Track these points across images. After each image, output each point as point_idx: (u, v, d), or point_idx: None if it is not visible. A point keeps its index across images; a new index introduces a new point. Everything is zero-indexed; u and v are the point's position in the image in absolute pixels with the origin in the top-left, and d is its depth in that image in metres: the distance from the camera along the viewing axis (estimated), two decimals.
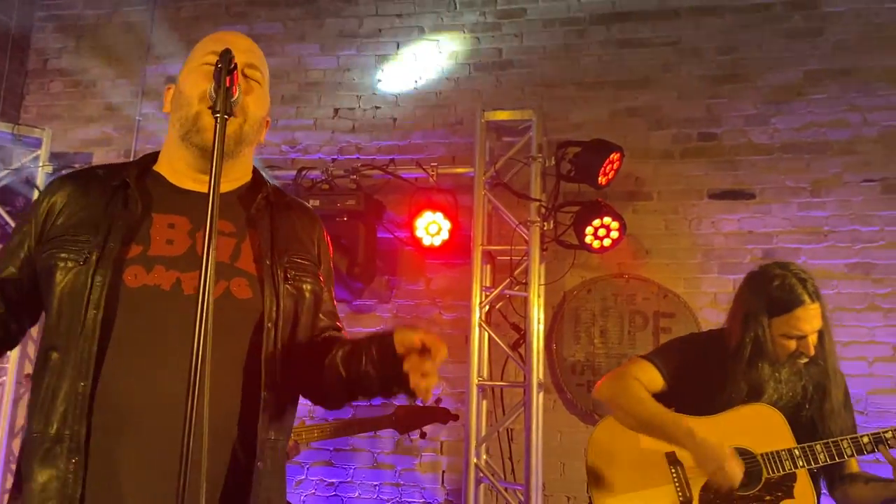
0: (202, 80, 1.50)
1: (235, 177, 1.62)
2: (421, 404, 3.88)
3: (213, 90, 1.28)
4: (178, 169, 1.58)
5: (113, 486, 1.35)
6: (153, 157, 1.64)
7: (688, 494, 2.43)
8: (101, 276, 1.40)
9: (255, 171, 1.68)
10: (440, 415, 3.86)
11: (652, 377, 2.54)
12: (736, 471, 2.33)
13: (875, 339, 4.00)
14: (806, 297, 2.40)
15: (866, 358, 3.99)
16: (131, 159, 4.91)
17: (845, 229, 4.14)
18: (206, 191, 1.46)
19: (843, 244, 4.13)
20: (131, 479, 1.35)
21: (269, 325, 1.47)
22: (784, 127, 4.31)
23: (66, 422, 1.35)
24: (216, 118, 1.25)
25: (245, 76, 1.55)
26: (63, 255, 1.44)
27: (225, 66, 1.27)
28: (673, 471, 2.47)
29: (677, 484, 2.45)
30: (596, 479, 2.54)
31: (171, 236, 1.47)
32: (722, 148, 4.37)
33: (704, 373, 2.50)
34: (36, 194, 4.61)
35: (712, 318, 4.06)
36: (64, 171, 1.58)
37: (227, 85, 1.26)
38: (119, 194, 1.51)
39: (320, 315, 1.65)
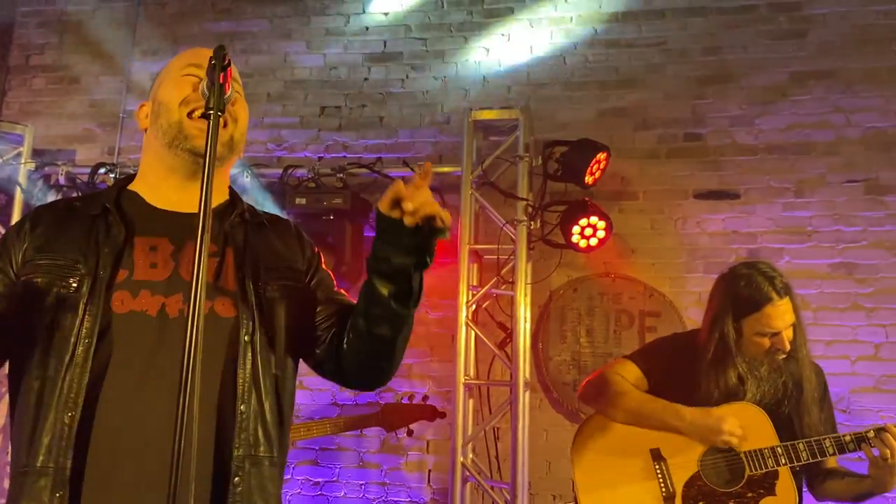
0: (182, 87, 1.50)
1: (215, 187, 1.61)
2: (407, 402, 3.88)
3: (205, 87, 1.26)
4: (161, 180, 1.56)
5: None
6: (127, 179, 1.63)
7: (671, 490, 2.46)
8: (93, 305, 1.39)
9: (232, 191, 1.68)
10: (427, 412, 3.85)
11: (634, 376, 2.58)
12: (736, 429, 2.37)
13: (858, 338, 4.04)
14: (774, 295, 2.41)
15: (849, 357, 4.03)
16: (115, 157, 4.91)
17: (828, 229, 4.18)
18: (184, 210, 1.51)
19: (826, 244, 4.17)
20: None
21: (246, 339, 1.45)
22: (768, 128, 4.34)
23: (51, 454, 1.32)
24: (209, 114, 1.23)
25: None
26: (42, 279, 1.41)
27: (219, 63, 1.25)
28: (657, 466, 2.49)
29: (661, 479, 2.48)
30: (581, 476, 2.56)
31: (153, 260, 1.47)
32: (707, 148, 4.39)
33: (684, 372, 2.53)
34: (18, 191, 4.56)
35: (698, 317, 4.03)
36: (40, 204, 1.56)
37: (221, 81, 1.24)
38: (100, 221, 1.49)
39: (329, 301, 1.63)
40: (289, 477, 4.45)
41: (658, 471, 2.49)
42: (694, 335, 2.66)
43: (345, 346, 1.54)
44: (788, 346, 2.46)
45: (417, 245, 1.40)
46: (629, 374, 2.58)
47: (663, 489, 2.47)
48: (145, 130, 1.60)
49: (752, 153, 4.33)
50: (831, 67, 4.32)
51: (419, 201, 1.34)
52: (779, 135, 4.32)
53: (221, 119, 1.43)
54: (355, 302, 1.57)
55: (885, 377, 3.99)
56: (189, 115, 1.48)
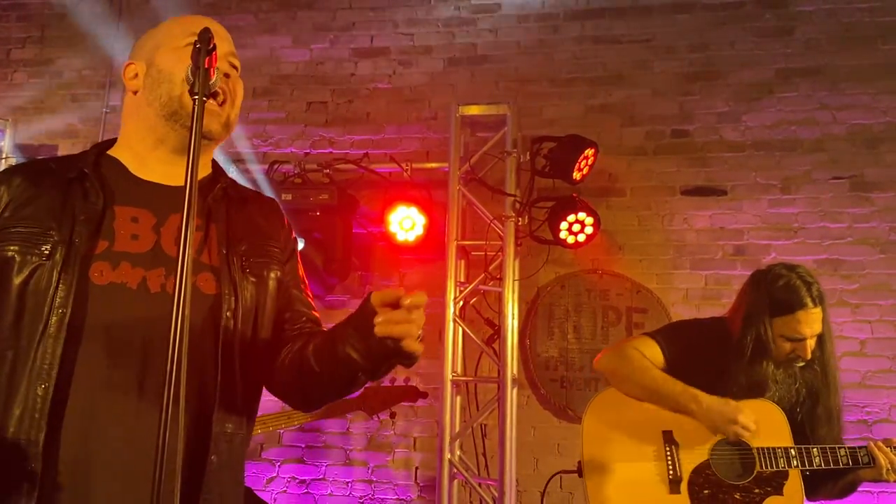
0: (185, 59, 1.40)
1: (201, 162, 1.58)
2: (389, 384, 3.85)
3: (190, 72, 1.24)
4: (148, 150, 1.51)
5: (78, 491, 1.29)
6: (107, 144, 1.57)
7: (678, 474, 2.45)
8: (67, 273, 1.32)
9: (215, 164, 1.64)
10: (409, 393, 3.79)
11: (653, 353, 2.55)
12: (751, 423, 2.37)
13: (843, 334, 4.05)
14: (808, 301, 2.40)
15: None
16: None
17: (814, 226, 4.20)
18: (168, 183, 1.48)
19: (812, 240, 4.18)
20: (99, 483, 1.30)
21: (228, 314, 1.42)
22: (755, 124, 4.35)
23: (22, 426, 1.28)
24: (195, 100, 1.20)
25: (231, 65, 1.53)
26: (15, 247, 1.34)
27: (204, 47, 1.22)
28: (667, 449, 2.49)
29: (669, 462, 2.47)
30: (588, 447, 2.53)
31: (135, 231, 1.41)
32: (694, 145, 4.40)
33: (705, 360, 2.52)
34: None
35: (684, 313, 4.09)
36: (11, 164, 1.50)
37: (206, 66, 1.22)
38: (76, 186, 1.42)
39: (294, 307, 1.59)
40: (275, 475, 4.42)
41: (668, 453, 2.48)
42: (719, 324, 2.63)
43: (286, 362, 1.51)
44: (809, 355, 2.45)
45: (381, 353, 1.32)
46: (648, 351, 2.55)
47: (670, 472, 2.45)
48: (134, 93, 1.54)
49: (739, 150, 4.34)
50: (817, 64, 4.34)
51: (400, 322, 1.25)
52: (765, 131, 4.33)
53: (220, 97, 1.45)
54: (316, 326, 1.58)
55: (871, 373, 4.02)
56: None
